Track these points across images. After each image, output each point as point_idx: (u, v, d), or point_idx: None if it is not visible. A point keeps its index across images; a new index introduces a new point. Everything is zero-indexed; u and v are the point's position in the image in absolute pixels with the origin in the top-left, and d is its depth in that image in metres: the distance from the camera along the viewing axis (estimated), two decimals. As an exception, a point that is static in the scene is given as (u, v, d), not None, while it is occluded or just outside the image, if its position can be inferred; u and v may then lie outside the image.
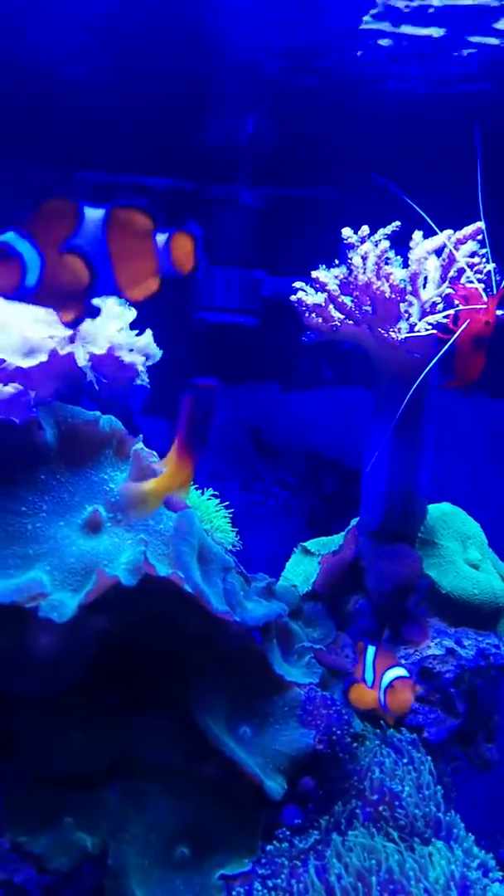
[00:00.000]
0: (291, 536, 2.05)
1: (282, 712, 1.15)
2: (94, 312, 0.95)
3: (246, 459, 1.99)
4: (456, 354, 1.18)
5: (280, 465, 2.02)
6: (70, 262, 0.89)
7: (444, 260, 1.19)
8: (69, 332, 1.03)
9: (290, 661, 1.22)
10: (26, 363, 1.01)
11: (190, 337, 1.85)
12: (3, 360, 1.01)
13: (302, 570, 1.47)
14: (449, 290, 1.16)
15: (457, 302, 1.15)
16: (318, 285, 1.23)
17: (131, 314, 1.15)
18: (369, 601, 1.33)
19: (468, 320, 1.13)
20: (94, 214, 0.92)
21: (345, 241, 1.24)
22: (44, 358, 1.01)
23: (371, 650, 1.07)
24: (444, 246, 1.19)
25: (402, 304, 1.18)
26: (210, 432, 1.01)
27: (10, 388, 1.00)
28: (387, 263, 1.18)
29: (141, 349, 1.16)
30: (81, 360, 1.05)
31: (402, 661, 1.23)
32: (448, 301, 1.18)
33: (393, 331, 1.17)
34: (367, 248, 1.21)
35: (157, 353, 1.22)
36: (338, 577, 1.35)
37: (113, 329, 1.10)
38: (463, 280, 1.17)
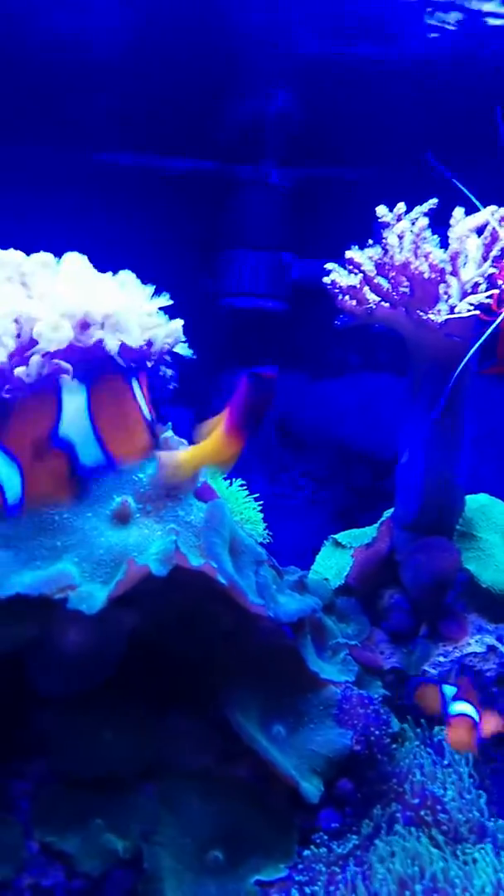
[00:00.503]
0: (319, 529, 2.01)
1: (317, 711, 1.10)
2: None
3: (272, 450, 1.94)
4: (500, 337, 1.12)
5: (307, 456, 1.97)
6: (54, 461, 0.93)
7: (486, 238, 1.13)
8: (102, 314, 0.99)
9: (324, 657, 1.18)
10: (55, 346, 0.97)
11: (215, 323, 1.80)
12: (37, 341, 0.97)
13: (333, 564, 1.42)
14: (492, 270, 1.10)
15: (501, 282, 1.09)
16: (352, 266, 1.18)
17: (162, 300, 1.10)
18: (405, 596, 1.28)
19: None
20: (73, 402, 0.95)
21: (379, 220, 1.19)
22: (69, 334, 0.97)
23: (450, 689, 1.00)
24: (487, 224, 1.13)
25: (441, 285, 1.13)
26: (262, 423, 1.00)
27: (37, 366, 0.96)
28: (424, 242, 1.13)
29: (170, 335, 1.11)
30: (112, 346, 1.00)
31: (441, 659, 1.18)
32: (490, 281, 1.13)
33: (432, 313, 1.12)
34: (404, 227, 1.15)
35: (187, 352, 1.18)
36: (372, 570, 1.31)
37: (142, 312, 1.06)
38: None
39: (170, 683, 1.09)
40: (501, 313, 1.09)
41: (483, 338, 1.09)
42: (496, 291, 1.10)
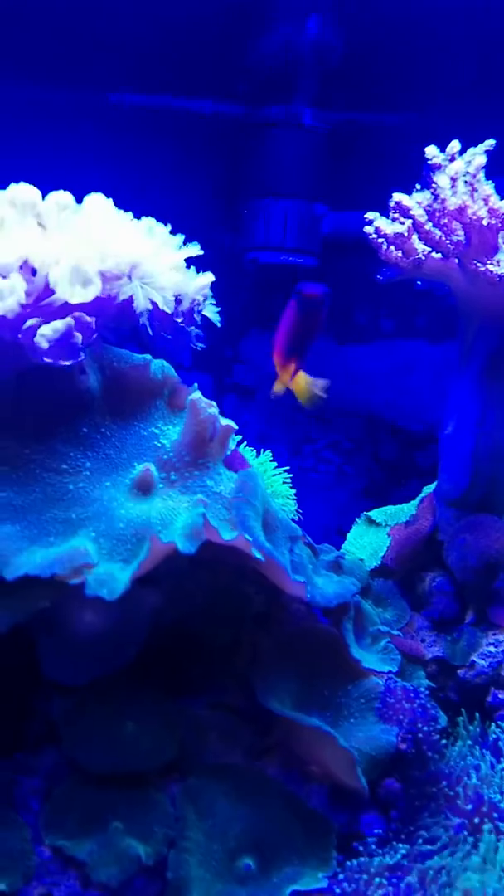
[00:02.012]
0: (346, 505, 1.89)
1: (357, 704, 1.00)
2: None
3: (296, 421, 1.82)
4: None
5: (334, 427, 1.85)
6: None
7: None
8: (129, 263, 0.87)
9: (363, 645, 1.07)
10: (76, 297, 0.85)
11: (237, 283, 1.66)
12: (53, 292, 0.85)
13: (367, 543, 1.31)
14: None
15: None
16: (399, 212, 1.05)
17: (192, 249, 0.98)
18: (449, 579, 1.17)
19: None
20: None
21: (429, 162, 1.06)
22: (97, 292, 0.85)
23: None
24: None
25: (501, 233, 1.01)
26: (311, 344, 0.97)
27: (61, 325, 0.84)
28: (481, 185, 1.01)
29: (199, 291, 0.99)
30: (141, 302, 0.88)
31: (491, 649, 1.08)
32: None
33: (491, 264, 1.00)
34: (458, 168, 1.03)
35: (215, 315, 1.06)
36: (412, 551, 1.20)
37: (171, 264, 0.94)
38: None
39: (195, 671, 0.99)
40: None
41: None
42: None
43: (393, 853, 0.87)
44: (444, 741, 0.95)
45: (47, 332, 0.85)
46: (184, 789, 0.91)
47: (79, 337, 0.87)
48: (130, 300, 0.90)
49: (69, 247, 0.87)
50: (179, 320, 0.99)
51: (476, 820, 0.87)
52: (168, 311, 0.92)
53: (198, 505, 0.88)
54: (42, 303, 0.88)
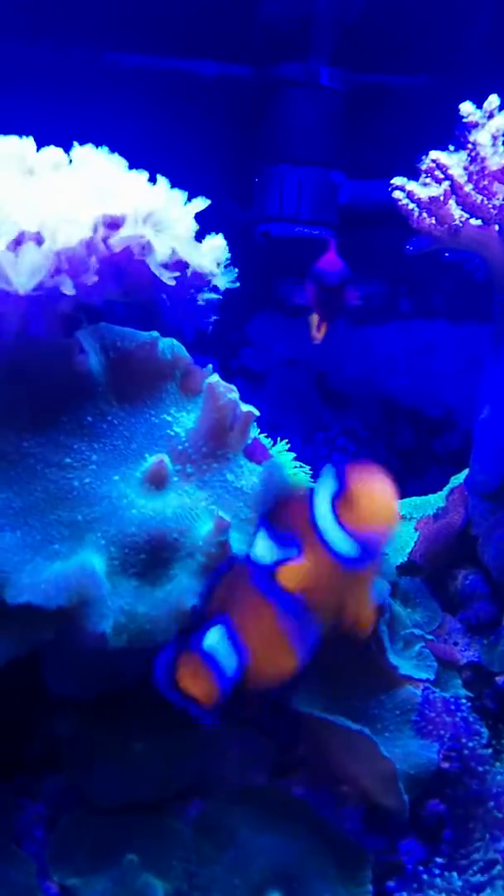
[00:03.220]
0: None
1: (392, 717, 0.91)
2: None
3: (309, 407, 1.72)
4: None
5: (348, 413, 1.75)
6: None
7: None
8: (135, 209, 0.76)
9: (395, 650, 0.98)
10: (61, 242, 0.74)
11: (245, 258, 1.55)
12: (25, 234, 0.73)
13: (391, 537, 1.22)
14: None
15: None
16: (434, 173, 0.95)
17: (199, 203, 0.88)
18: (483, 577, 1.08)
19: None
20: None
21: (465, 120, 0.96)
22: (86, 234, 0.74)
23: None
24: None
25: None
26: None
27: (36, 255, 0.73)
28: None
29: (213, 253, 0.89)
30: (162, 251, 0.78)
31: (534, 653, 0.99)
32: None
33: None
34: (499, 124, 0.93)
35: (226, 280, 0.95)
36: (443, 546, 1.11)
37: (181, 218, 0.83)
38: None
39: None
40: None
41: None
42: None
43: (437, 885, 0.79)
44: (492, 759, 0.87)
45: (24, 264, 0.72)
46: (199, 818, 0.83)
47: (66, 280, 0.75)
48: (136, 262, 0.79)
49: (63, 193, 0.76)
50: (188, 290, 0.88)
51: (530, 847, 0.79)
52: (194, 264, 0.81)
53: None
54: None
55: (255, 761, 0.89)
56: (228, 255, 0.92)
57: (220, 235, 0.91)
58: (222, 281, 0.95)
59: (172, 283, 0.83)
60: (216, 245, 0.90)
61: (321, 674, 0.92)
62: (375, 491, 0.59)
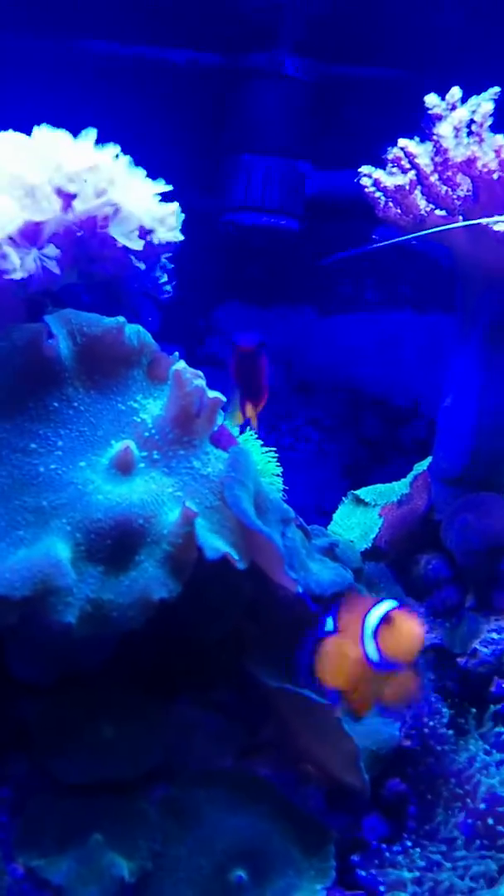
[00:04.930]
0: (326, 485, 1.82)
1: (355, 698, 0.93)
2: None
3: (274, 396, 1.74)
4: None
5: (314, 402, 1.76)
6: None
7: None
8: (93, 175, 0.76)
9: (359, 634, 1.00)
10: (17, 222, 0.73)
11: (211, 247, 1.54)
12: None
13: (356, 523, 1.24)
14: None
15: None
16: (401, 162, 0.97)
17: (160, 185, 0.88)
18: (445, 561, 1.11)
19: None
20: None
21: (429, 112, 0.98)
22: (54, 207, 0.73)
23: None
24: None
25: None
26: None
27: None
28: (490, 134, 0.93)
29: (171, 218, 0.89)
30: (129, 219, 0.77)
31: (494, 636, 1.02)
32: None
33: (501, 222, 0.92)
34: (462, 116, 0.95)
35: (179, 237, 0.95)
36: (407, 532, 1.13)
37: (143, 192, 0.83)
38: None
39: (180, 665, 0.91)
40: None
41: None
42: None
43: (399, 861, 0.81)
44: (451, 736, 0.89)
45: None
46: (164, 800, 0.84)
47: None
48: (99, 237, 0.79)
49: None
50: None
51: (490, 821, 0.82)
52: (157, 232, 0.82)
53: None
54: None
55: (222, 743, 0.90)
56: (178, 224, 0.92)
57: (173, 203, 0.91)
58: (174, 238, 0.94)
59: (140, 248, 0.83)
60: (171, 210, 0.90)
61: (285, 656, 0.93)
62: (410, 629, 0.76)
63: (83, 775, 0.83)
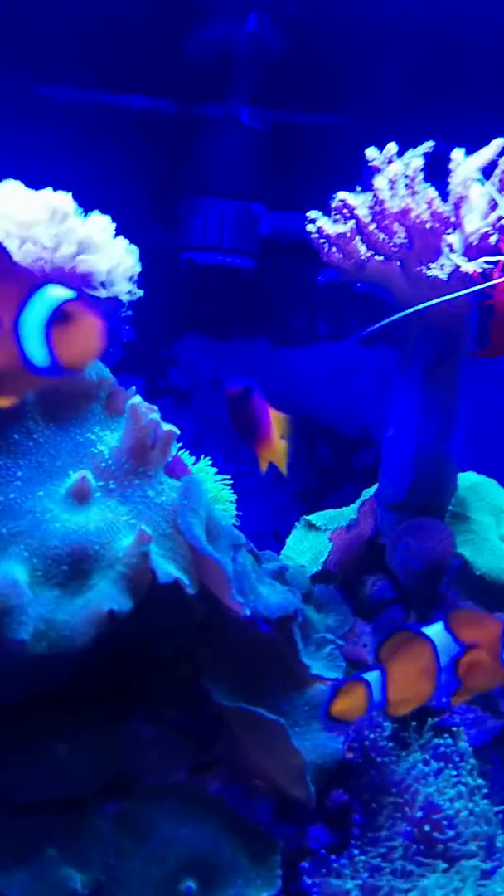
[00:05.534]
0: (281, 510, 1.88)
1: (302, 713, 0.98)
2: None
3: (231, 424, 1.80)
4: (491, 320, 1.02)
5: (272, 430, 1.83)
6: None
7: (494, 183, 1.01)
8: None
9: (308, 652, 1.05)
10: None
11: (171, 283, 1.61)
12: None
13: (307, 547, 1.30)
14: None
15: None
16: (343, 211, 1.04)
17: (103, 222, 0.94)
18: (390, 582, 1.17)
19: None
20: None
21: (370, 164, 1.06)
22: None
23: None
24: (493, 167, 1.01)
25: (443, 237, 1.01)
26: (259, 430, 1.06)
27: None
28: (421, 187, 1.00)
29: (129, 271, 0.95)
30: (102, 271, 0.83)
31: (434, 652, 1.07)
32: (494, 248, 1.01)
33: (435, 267, 1.00)
34: (396, 170, 1.03)
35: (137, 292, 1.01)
36: (355, 555, 1.19)
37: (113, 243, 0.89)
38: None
39: (135, 684, 0.95)
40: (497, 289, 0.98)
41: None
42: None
43: (342, 868, 0.86)
44: (391, 748, 0.94)
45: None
46: (118, 815, 0.87)
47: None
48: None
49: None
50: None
51: (427, 827, 0.87)
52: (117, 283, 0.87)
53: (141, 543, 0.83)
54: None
55: (175, 759, 0.94)
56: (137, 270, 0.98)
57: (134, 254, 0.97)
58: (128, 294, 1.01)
59: (103, 296, 0.89)
60: (129, 264, 0.96)
61: (238, 677, 0.98)
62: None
63: (37, 793, 0.86)
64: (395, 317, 0.99)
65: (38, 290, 0.61)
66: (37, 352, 0.61)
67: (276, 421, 1.10)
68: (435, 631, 0.82)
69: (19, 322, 0.60)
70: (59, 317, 0.60)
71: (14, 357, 0.61)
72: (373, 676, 0.81)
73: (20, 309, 0.60)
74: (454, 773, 0.90)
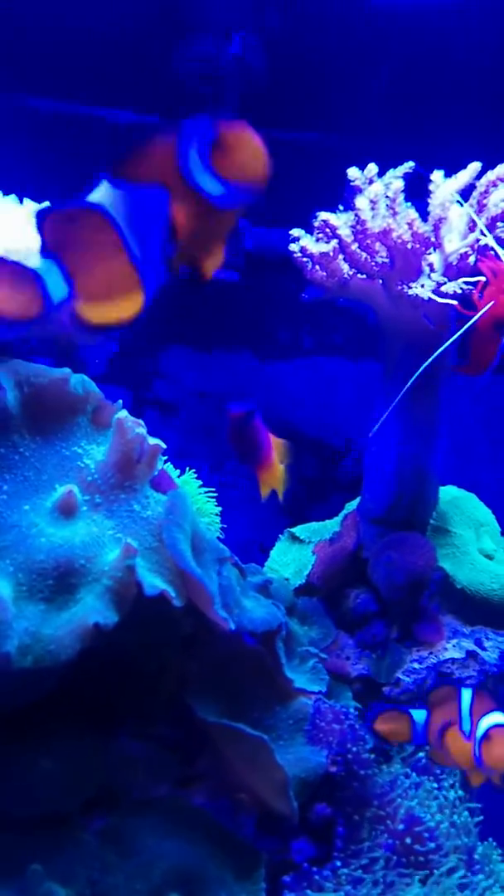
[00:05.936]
0: (265, 522, 1.89)
1: (286, 726, 0.99)
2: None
3: (216, 436, 1.81)
4: (472, 337, 1.04)
5: (255, 443, 1.85)
6: None
7: (472, 205, 1.03)
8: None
9: (291, 666, 1.06)
10: None
11: (161, 294, 1.62)
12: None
13: (291, 560, 1.31)
14: (484, 238, 1.00)
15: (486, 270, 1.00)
16: (326, 230, 1.06)
17: None
18: (373, 595, 1.18)
19: (493, 301, 0.99)
20: None
21: (351, 184, 1.07)
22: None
23: (467, 693, 0.88)
24: (471, 189, 1.04)
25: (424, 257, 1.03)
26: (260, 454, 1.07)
27: None
28: (401, 207, 1.02)
29: None
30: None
31: (416, 665, 1.09)
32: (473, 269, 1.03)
33: (415, 286, 1.02)
34: (377, 190, 1.04)
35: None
36: (338, 568, 1.20)
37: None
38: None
39: (120, 699, 0.95)
40: (480, 308, 1.00)
41: (461, 329, 1.00)
42: (482, 279, 1.01)
43: (325, 881, 0.86)
44: (374, 761, 0.95)
45: None
46: (103, 829, 0.88)
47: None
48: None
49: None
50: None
51: (408, 840, 0.88)
52: None
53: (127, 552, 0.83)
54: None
55: (160, 774, 0.94)
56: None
57: None
58: None
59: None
60: None
61: (223, 690, 0.99)
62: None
63: (22, 808, 0.86)
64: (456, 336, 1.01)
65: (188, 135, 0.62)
66: (208, 184, 0.64)
67: (276, 446, 1.11)
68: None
69: (186, 167, 0.62)
70: (216, 146, 0.63)
71: (196, 203, 0.63)
72: None
73: (180, 156, 0.62)
74: (435, 785, 0.91)
